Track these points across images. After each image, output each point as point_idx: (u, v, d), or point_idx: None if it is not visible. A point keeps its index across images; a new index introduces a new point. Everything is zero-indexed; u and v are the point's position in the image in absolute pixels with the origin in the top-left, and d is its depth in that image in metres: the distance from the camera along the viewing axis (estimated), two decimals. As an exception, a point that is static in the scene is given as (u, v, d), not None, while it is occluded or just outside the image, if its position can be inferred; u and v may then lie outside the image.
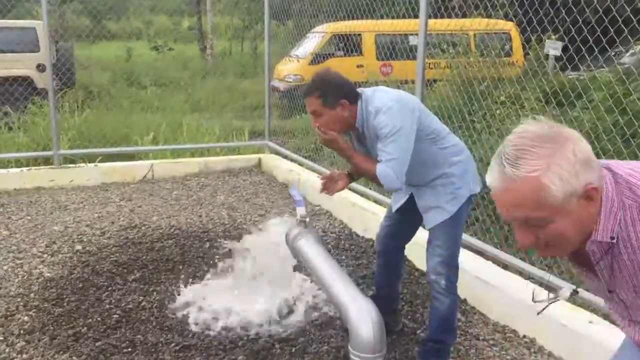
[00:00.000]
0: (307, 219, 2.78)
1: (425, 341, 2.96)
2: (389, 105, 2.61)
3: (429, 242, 2.82)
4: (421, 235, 3.08)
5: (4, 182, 5.94)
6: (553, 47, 6.28)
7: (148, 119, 9.03)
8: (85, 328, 3.26)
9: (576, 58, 4.13)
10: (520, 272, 3.76)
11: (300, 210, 2.81)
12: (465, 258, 3.60)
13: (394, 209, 3.02)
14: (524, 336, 3.30)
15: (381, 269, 3.19)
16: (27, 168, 6.20)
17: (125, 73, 15.89)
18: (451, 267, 2.79)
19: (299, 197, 2.86)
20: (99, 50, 19.05)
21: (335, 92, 2.67)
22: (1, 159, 6.51)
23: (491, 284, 3.57)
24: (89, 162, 6.56)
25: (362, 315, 2.06)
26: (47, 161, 6.54)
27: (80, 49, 18.21)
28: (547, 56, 6.42)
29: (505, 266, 3.86)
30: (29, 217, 5.09)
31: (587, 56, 3.96)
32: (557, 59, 6.17)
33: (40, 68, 9.75)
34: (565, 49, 4.71)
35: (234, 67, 17.89)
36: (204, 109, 11.82)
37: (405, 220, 3.03)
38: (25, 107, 8.73)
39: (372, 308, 2.11)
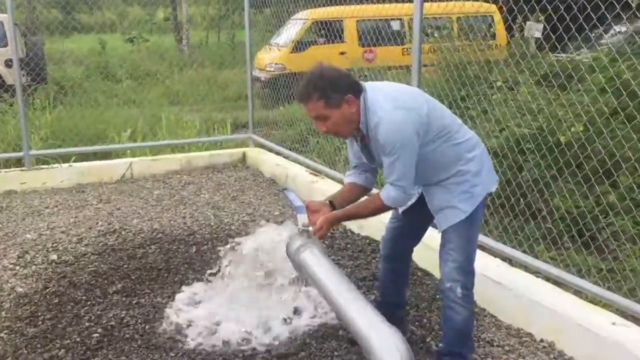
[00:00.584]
0: (310, 228, 2.48)
1: (440, 354, 2.69)
2: (392, 118, 2.35)
3: (442, 245, 2.56)
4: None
5: (-29, 187, 5.55)
6: (535, 29, 6.12)
7: (125, 114, 8.63)
8: (62, 350, 2.95)
9: (565, 38, 3.91)
10: (526, 267, 3.53)
11: (302, 218, 2.50)
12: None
13: (400, 211, 2.75)
14: (541, 340, 3.07)
15: (387, 275, 2.92)
16: (-4, 170, 5.82)
17: (99, 67, 15.37)
18: (467, 274, 2.53)
19: (299, 203, 2.55)
20: (72, 43, 18.49)
21: (338, 88, 2.39)
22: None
23: (501, 282, 3.33)
24: (63, 162, 6.19)
25: (388, 349, 1.77)
26: (19, 162, 6.15)
27: (53, 43, 17.63)
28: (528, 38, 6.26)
29: (510, 261, 3.63)
30: (-1, 225, 4.74)
31: (577, 35, 3.76)
32: (538, 40, 6.04)
33: (9, 64, 9.28)
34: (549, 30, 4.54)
35: (211, 58, 17.42)
36: (183, 101, 11.42)
37: (413, 221, 2.76)
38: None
39: (398, 338, 1.83)
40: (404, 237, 2.83)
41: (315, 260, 2.31)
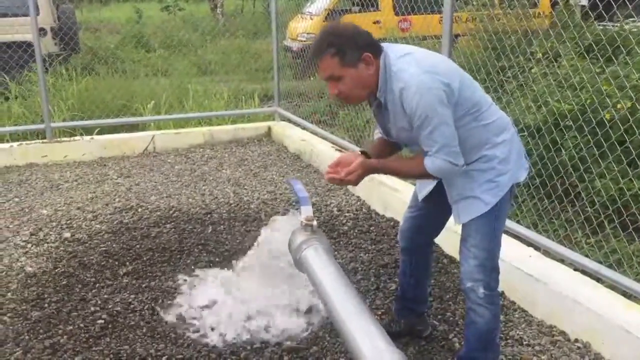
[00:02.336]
0: (314, 222, 2.24)
1: (460, 359, 2.45)
2: (421, 83, 2.04)
3: (463, 240, 2.29)
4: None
5: (-7, 159, 5.49)
6: (580, -4, 5.77)
7: (152, 84, 8.48)
8: (65, 337, 2.82)
9: (613, 5, 3.53)
10: (562, 260, 3.24)
11: (306, 210, 2.26)
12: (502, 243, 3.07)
13: (420, 198, 2.48)
14: (576, 340, 2.80)
15: (407, 268, 2.66)
16: (18, 143, 5.73)
17: (134, 36, 15.27)
18: (491, 272, 2.26)
19: (304, 194, 2.31)
20: (109, 12, 18.48)
21: (355, 45, 2.09)
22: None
23: (534, 275, 3.06)
24: (88, 135, 6.09)
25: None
26: (44, 134, 6.07)
27: (90, 11, 17.63)
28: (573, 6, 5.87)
29: (546, 253, 3.34)
30: (16, 199, 4.65)
31: (627, 3, 3.39)
32: (584, 8, 5.68)
33: (42, 32, 9.17)
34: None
35: (246, 26, 17.15)
36: (214, 72, 11.23)
37: (433, 210, 2.49)
38: (27, 76, 8.22)
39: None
40: (424, 228, 2.57)
41: (318, 261, 2.07)
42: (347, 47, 2.08)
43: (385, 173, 2.28)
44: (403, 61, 2.12)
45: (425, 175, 2.18)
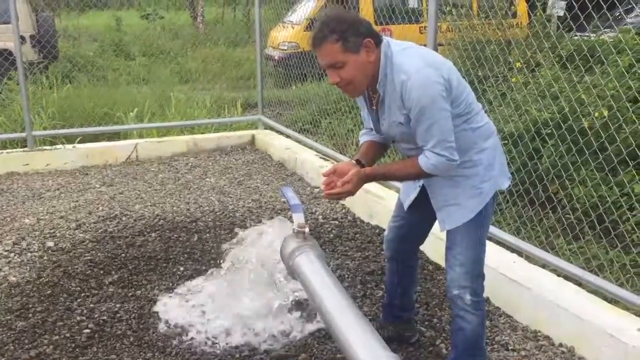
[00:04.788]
0: (306, 229, 2.26)
1: (449, 365, 2.47)
2: (424, 76, 2.05)
3: (448, 248, 2.31)
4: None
5: (-26, 169, 5.42)
6: (557, 7, 5.84)
7: (134, 92, 8.44)
8: (50, 347, 2.79)
9: (582, 17, 3.63)
10: (544, 265, 3.29)
11: (298, 218, 2.28)
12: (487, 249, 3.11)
13: (405, 207, 2.51)
14: (560, 344, 2.85)
15: (393, 276, 2.69)
16: (-1, 152, 5.68)
17: (113, 44, 15.18)
18: (477, 278, 2.29)
19: (295, 201, 2.33)
20: (87, 20, 18.30)
21: (357, 31, 2.08)
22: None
23: (517, 280, 3.10)
24: (70, 143, 6.03)
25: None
26: (24, 143, 6.00)
27: (69, 20, 17.46)
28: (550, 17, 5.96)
29: (529, 259, 3.40)
30: (-3, 209, 4.60)
31: (593, 16, 3.49)
32: (560, 19, 5.76)
33: (22, 40, 9.07)
34: (570, 9, 4.25)
35: (226, 35, 17.14)
36: (195, 80, 11.21)
37: (417, 219, 2.52)
38: (6, 84, 8.12)
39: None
40: (408, 237, 2.59)
41: (311, 267, 2.09)
42: (350, 33, 2.08)
43: (381, 179, 2.28)
44: (405, 54, 2.12)
45: (421, 174, 2.18)
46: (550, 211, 3.67)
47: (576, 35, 5.72)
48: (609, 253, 3.37)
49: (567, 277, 3.13)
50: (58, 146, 5.90)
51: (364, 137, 2.47)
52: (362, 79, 2.15)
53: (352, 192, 2.20)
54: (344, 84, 2.16)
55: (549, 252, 3.32)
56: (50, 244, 3.94)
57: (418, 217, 2.51)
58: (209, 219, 4.36)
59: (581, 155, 3.47)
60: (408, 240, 2.60)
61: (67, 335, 2.89)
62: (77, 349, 2.78)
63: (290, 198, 2.36)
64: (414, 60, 2.10)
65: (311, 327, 2.91)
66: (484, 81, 5.06)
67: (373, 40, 2.12)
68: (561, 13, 5.56)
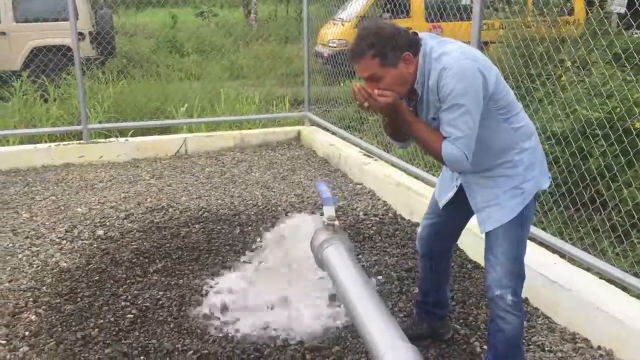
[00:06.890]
0: (336, 222, 2.29)
1: (487, 366, 2.45)
2: (461, 65, 2.03)
3: (489, 249, 2.30)
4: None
5: (32, 159, 5.67)
6: (618, 4, 5.66)
7: (185, 88, 8.65)
8: (96, 330, 2.93)
9: None
10: (588, 268, 3.23)
11: (328, 210, 2.32)
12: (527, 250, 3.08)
13: (441, 205, 2.51)
14: (599, 347, 2.80)
15: (427, 273, 2.69)
16: (56, 144, 5.91)
17: (168, 41, 15.55)
18: (518, 278, 2.27)
19: (327, 194, 2.37)
20: (144, 17, 18.81)
21: (395, 45, 2.07)
22: (33, 134, 6.24)
23: (558, 282, 3.06)
24: (123, 137, 6.25)
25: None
26: (80, 135, 6.24)
27: (127, 17, 17.98)
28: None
29: (572, 261, 3.33)
30: (53, 198, 4.81)
31: None
32: (621, 17, 5.57)
33: (81, 37, 9.40)
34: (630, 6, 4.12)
35: (278, 32, 17.31)
36: (246, 76, 11.38)
37: (452, 216, 2.52)
38: (64, 79, 8.45)
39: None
40: (442, 235, 2.59)
41: (339, 259, 2.13)
42: (388, 48, 2.07)
43: (406, 126, 2.17)
44: (445, 47, 2.12)
45: (436, 154, 2.13)
46: (593, 212, 3.59)
47: (636, 33, 5.56)
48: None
49: (610, 280, 3.06)
50: (111, 139, 6.12)
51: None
52: (400, 89, 2.15)
53: (380, 104, 2.11)
54: (379, 92, 2.13)
55: (590, 253, 3.25)
56: (100, 232, 4.11)
57: (453, 214, 2.51)
58: (252, 212, 4.45)
59: (626, 155, 3.38)
60: (442, 238, 2.60)
61: (112, 319, 3.02)
62: (121, 333, 2.91)
63: (323, 191, 2.40)
64: (454, 53, 2.09)
65: (345, 320, 2.94)
66: (536, 79, 4.98)
67: (412, 51, 2.11)
68: (622, 10, 5.38)
